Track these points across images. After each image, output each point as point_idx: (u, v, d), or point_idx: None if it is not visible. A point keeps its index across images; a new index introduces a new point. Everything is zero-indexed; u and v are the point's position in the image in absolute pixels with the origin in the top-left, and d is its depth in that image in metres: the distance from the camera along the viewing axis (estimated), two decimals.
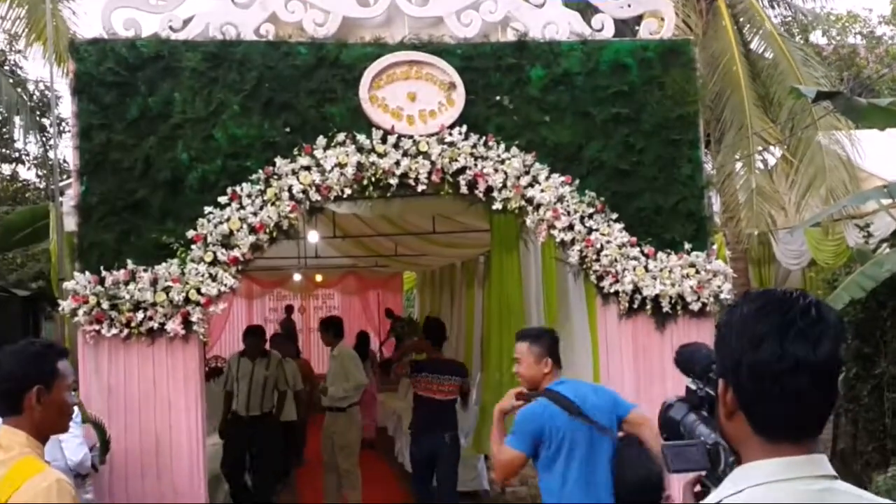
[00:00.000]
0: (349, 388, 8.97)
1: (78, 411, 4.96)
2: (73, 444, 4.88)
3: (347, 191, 5.90)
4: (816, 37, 23.48)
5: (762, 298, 1.58)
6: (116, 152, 5.77)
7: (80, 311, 5.54)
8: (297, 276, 19.04)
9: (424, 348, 8.25)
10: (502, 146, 6.07)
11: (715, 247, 6.40)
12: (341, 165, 5.86)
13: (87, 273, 5.61)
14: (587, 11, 6.55)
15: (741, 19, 11.65)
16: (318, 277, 19.51)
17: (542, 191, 6.04)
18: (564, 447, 4.33)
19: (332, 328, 9.17)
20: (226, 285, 5.70)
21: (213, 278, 5.67)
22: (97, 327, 5.58)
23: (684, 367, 4.56)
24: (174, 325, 5.61)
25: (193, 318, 5.65)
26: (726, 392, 1.58)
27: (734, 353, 1.56)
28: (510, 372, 4.95)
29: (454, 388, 7.81)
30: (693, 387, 2.57)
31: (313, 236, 11.52)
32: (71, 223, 5.82)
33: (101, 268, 5.65)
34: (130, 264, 5.66)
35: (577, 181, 6.12)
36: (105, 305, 5.57)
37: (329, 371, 9.06)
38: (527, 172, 6.09)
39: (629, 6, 6.44)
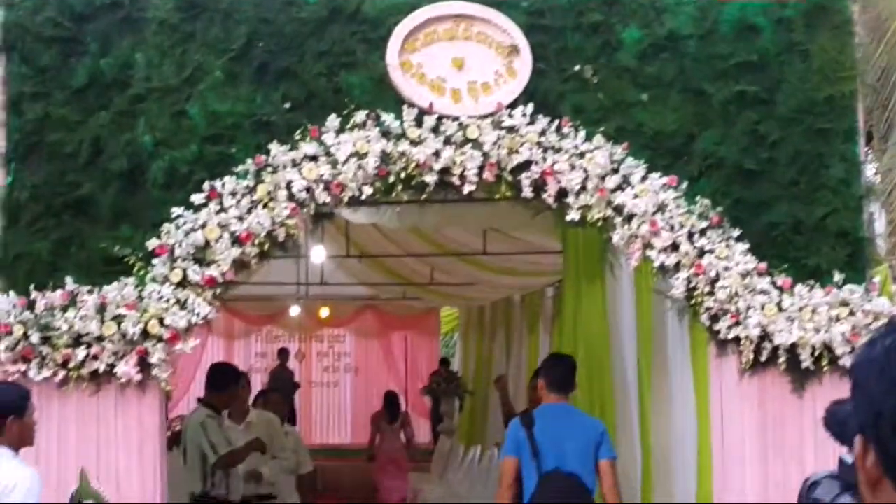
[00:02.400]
0: (289, 467, 8.81)
1: None
2: None
3: (367, 190, 5.86)
4: None
5: None
6: (56, 132, 5.79)
7: (2, 346, 5.49)
8: (295, 310, 18.98)
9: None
10: (582, 134, 5.99)
11: (877, 280, 6.25)
12: (360, 155, 5.82)
13: (11, 294, 5.60)
14: None
15: None
16: (325, 312, 19.46)
17: (636, 196, 5.96)
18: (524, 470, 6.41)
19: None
20: (198, 315, 5.64)
21: (182, 305, 5.63)
22: (23, 368, 5.52)
23: (837, 430, 4.51)
24: (127, 368, 5.54)
25: (153, 359, 5.58)
26: (866, 453, 1.55)
27: (873, 400, 1.54)
28: None
29: None
30: (850, 459, 2.52)
31: (319, 254, 11.56)
32: None
33: (31, 287, 5.62)
34: (70, 283, 5.61)
35: (684, 184, 6.04)
36: (35, 338, 5.50)
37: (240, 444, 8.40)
38: (615, 170, 6.00)
39: None
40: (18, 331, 5.51)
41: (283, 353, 19.76)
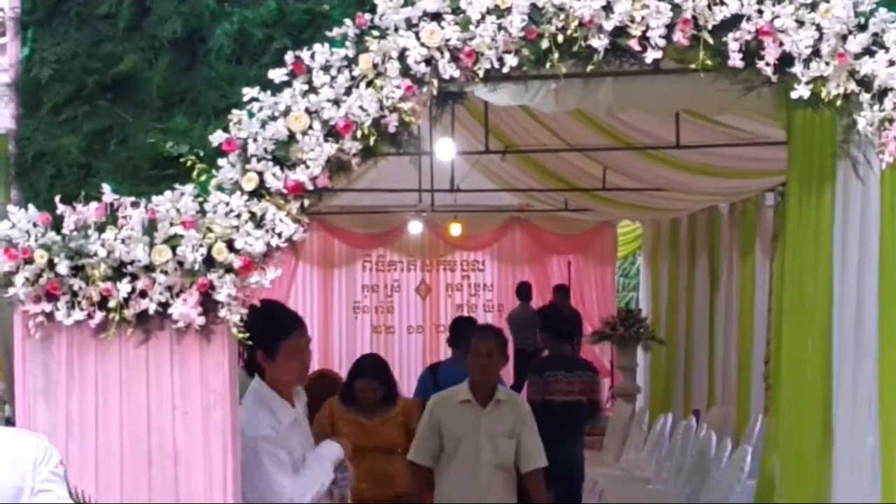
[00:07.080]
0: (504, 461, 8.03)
1: None
2: None
3: (511, 60, 5.55)
4: None
5: None
6: None
7: (20, 279, 5.32)
8: (415, 227, 18.96)
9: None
10: None
11: None
12: (499, 11, 5.55)
13: (30, 207, 5.40)
14: None
15: None
16: (456, 230, 19.04)
17: (892, 63, 5.55)
18: None
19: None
20: (280, 235, 5.39)
21: (258, 222, 5.40)
22: (47, 307, 5.33)
23: None
24: (186, 308, 5.30)
25: (221, 296, 5.29)
26: None
27: None
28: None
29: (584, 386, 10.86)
30: None
31: (447, 150, 11.69)
32: (4, 118, 5.69)
33: (57, 199, 5.37)
34: (108, 193, 5.35)
35: None
36: (62, 268, 5.23)
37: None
38: (861, 27, 5.60)
39: None
40: (41, 258, 5.29)
41: (561, 291, 19.15)
